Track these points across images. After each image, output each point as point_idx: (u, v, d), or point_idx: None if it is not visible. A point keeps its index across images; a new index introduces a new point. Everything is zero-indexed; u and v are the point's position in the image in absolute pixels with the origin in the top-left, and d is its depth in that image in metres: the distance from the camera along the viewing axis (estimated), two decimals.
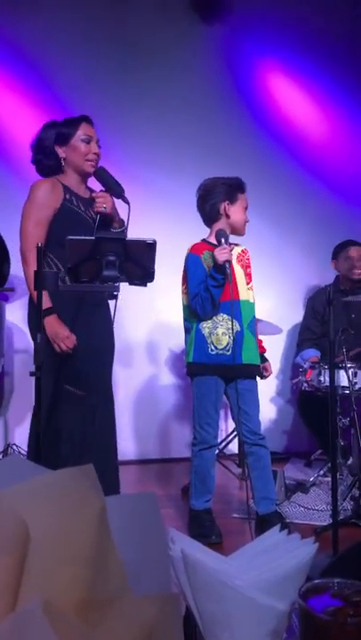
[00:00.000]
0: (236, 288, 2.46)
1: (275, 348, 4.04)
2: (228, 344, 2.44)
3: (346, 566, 1.03)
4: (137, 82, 4.04)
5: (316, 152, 4.39)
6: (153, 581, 0.56)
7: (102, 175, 2.28)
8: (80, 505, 0.51)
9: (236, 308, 2.44)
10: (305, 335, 3.77)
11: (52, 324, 2.16)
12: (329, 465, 3.28)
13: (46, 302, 2.10)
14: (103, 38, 4.04)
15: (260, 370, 2.58)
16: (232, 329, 2.42)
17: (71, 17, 3.99)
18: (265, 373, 2.66)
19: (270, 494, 2.48)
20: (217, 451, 2.84)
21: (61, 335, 2.15)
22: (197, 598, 0.58)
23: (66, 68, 3.93)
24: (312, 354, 3.56)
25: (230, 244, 2.44)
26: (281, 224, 4.14)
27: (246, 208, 2.53)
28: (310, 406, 3.54)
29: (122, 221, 2.34)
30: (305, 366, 3.28)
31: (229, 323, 2.42)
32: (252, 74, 4.32)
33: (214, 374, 2.49)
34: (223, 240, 2.36)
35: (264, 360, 2.65)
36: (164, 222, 3.59)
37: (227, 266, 2.30)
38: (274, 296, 3.91)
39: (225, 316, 2.44)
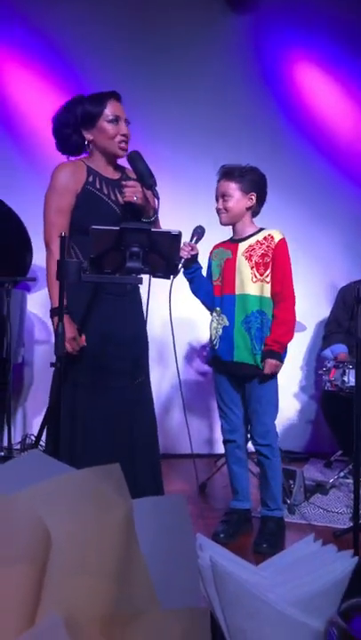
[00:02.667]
0: (232, 283, 2.39)
1: (298, 343, 3.96)
2: (216, 339, 2.45)
3: None
4: (165, 71, 4.00)
5: (345, 144, 4.28)
6: (181, 592, 0.52)
7: (136, 161, 2.09)
8: (105, 508, 0.47)
9: (225, 303, 2.40)
10: (333, 327, 3.63)
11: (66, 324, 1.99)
12: (350, 467, 3.22)
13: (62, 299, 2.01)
14: (131, 27, 4.00)
15: (255, 370, 2.35)
16: (221, 324, 2.42)
17: (98, 5, 3.95)
18: (265, 369, 2.34)
19: (268, 500, 2.44)
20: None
21: (67, 336, 2.01)
22: (227, 612, 0.54)
23: (92, 56, 3.90)
24: (342, 349, 3.45)
25: (237, 239, 2.43)
26: (306, 216, 4.04)
27: (218, 196, 2.45)
28: (333, 406, 3.47)
29: (153, 209, 2.16)
30: (329, 365, 3.20)
31: (220, 317, 2.43)
32: (281, 63, 4.24)
33: (217, 369, 2.52)
34: (195, 237, 2.42)
35: (274, 357, 2.34)
36: (189, 213, 3.54)
37: (181, 263, 2.35)
38: (299, 290, 3.83)
39: (218, 309, 2.45)
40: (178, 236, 1.81)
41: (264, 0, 4.12)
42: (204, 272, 2.54)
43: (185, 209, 3.62)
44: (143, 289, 2.10)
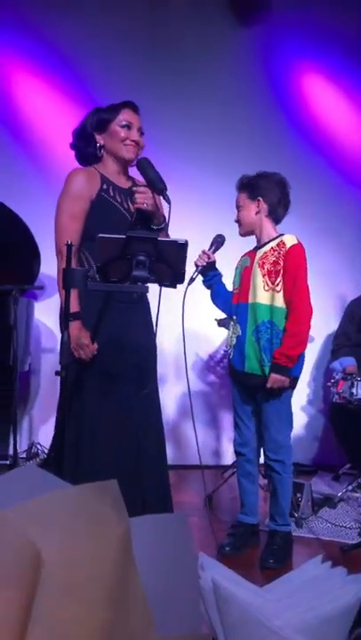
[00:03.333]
0: (246, 291, 2.36)
1: (306, 356, 3.92)
2: (230, 348, 2.44)
3: None
4: (173, 82, 4.01)
5: (353, 157, 4.27)
6: (181, 616, 0.49)
7: (145, 167, 2.06)
8: (100, 527, 0.44)
9: (240, 312, 2.38)
10: (341, 341, 3.60)
11: (76, 331, 2.01)
12: (358, 480, 3.17)
13: (74, 305, 1.99)
14: (140, 38, 4.02)
15: (263, 381, 2.28)
16: (235, 333, 2.41)
17: (108, 17, 3.98)
18: (268, 383, 2.27)
19: (276, 515, 2.39)
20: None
21: (82, 343, 2.01)
22: (230, 637, 0.51)
23: (101, 66, 3.92)
24: (351, 362, 3.41)
25: (257, 247, 2.41)
26: (314, 229, 4.01)
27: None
28: (341, 419, 3.42)
29: (163, 217, 2.14)
30: (337, 377, 3.16)
31: (235, 327, 2.42)
32: (289, 75, 4.24)
33: (233, 379, 2.49)
34: (214, 246, 2.44)
35: (279, 371, 2.26)
36: (197, 223, 3.53)
37: (198, 270, 2.39)
38: None
39: (235, 318, 2.43)
40: (184, 245, 1.78)
41: (272, 13, 4.12)
42: (225, 280, 2.52)
43: (194, 220, 3.62)
44: (153, 298, 2.08)
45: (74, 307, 1.97)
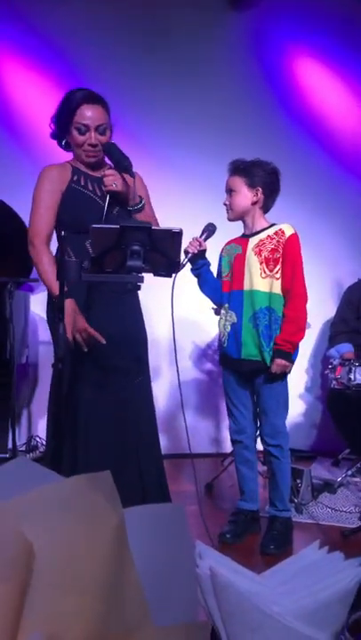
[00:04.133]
0: (241, 278, 2.34)
1: (304, 342, 3.93)
2: (224, 336, 2.41)
3: None
4: (167, 69, 3.97)
5: (348, 141, 4.24)
6: (178, 606, 0.49)
7: (110, 150, 2.10)
8: (94, 519, 0.44)
9: (233, 300, 2.37)
10: (339, 327, 3.59)
11: (69, 310, 1.99)
12: (358, 465, 3.18)
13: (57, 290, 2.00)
14: (131, 24, 3.97)
15: (261, 366, 2.30)
16: (229, 321, 2.38)
17: (99, 6, 3.93)
18: (273, 368, 2.29)
19: (276, 500, 2.40)
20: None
21: (78, 326, 2.01)
22: (228, 625, 0.51)
23: (94, 56, 3.87)
24: (348, 349, 3.41)
25: (248, 235, 2.40)
26: (310, 214, 3.99)
27: (226, 191, 2.42)
28: (339, 404, 3.42)
29: (139, 197, 2.16)
30: (335, 363, 3.17)
31: (228, 314, 2.39)
32: (281, 60, 4.20)
33: (226, 367, 2.48)
34: (205, 234, 2.39)
35: (283, 357, 2.29)
36: (191, 209, 3.51)
37: (188, 257, 2.33)
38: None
39: (226, 306, 2.41)
40: (179, 234, 1.77)
41: None
42: (213, 269, 2.49)
43: (188, 206, 3.60)
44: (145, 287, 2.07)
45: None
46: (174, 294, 2.15)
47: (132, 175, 2.07)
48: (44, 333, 3.92)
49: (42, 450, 3.71)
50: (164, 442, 3.86)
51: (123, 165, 2.07)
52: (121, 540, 0.46)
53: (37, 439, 3.78)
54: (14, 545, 0.41)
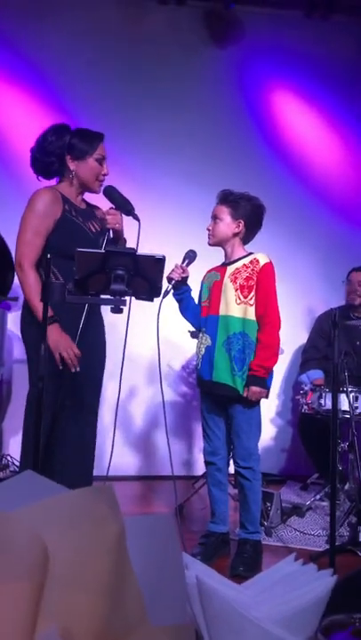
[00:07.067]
0: (217, 304, 2.43)
1: (275, 367, 4.02)
2: (199, 358, 2.50)
3: (347, 594, 1.01)
4: (150, 100, 4.09)
5: (322, 173, 4.40)
6: (168, 609, 0.54)
7: (111, 194, 2.28)
8: (99, 526, 0.49)
9: (209, 324, 2.45)
10: (310, 354, 3.70)
11: (55, 333, 2.13)
12: (326, 489, 3.25)
13: (49, 311, 2.08)
14: (117, 56, 4.09)
15: (233, 391, 2.36)
16: (204, 344, 2.46)
17: (88, 34, 4.04)
18: (249, 396, 2.34)
19: (247, 522, 2.44)
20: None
21: (64, 344, 2.13)
22: (211, 629, 0.55)
23: (77, 83, 3.97)
24: (319, 375, 3.52)
25: (226, 263, 2.49)
26: (284, 243, 4.12)
27: (211, 218, 2.53)
28: (310, 429, 3.51)
29: (125, 240, 2.37)
30: (306, 388, 3.26)
31: (204, 337, 2.47)
32: (261, 95, 4.36)
33: (200, 389, 2.55)
34: (186, 260, 2.49)
35: (258, 384, 2.35)
36: (173, 235, 3.60)
37: (172, 284, 2.43)
38: None
39: (203, 329, 2.50)
40: (162, 260, 1.85)
41: (245, 35, 4.27)
42: (194, 294, 2.58)
43: (175, 233, 3.70)
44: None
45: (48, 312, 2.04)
46: (155, 316, 2.23)
47: (136, 218, 2.24)
48: (19, 351, 3.92)
49: (12, 469, 3.68)
50: (138, 463, 3.91)
51: (127, 209, 2.26)
52: (122, 545, 0.51)
53: (9, 458, 3.75)
54: (32, 547, 0.46)
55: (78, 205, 2.36)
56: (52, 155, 2.29)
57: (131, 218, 2.27)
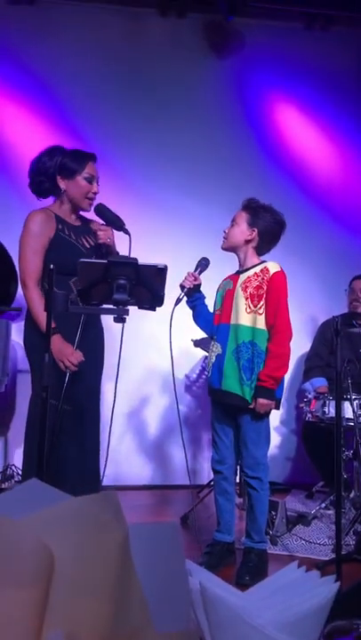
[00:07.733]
0: (228, 312, 2.44)
1: None
2: (209, 366, 2.50)
3: (351, 603, 1.01)
4: (150, 111, 4.12)
5: (323, 182, 4.42)
6: (172, 615, 0.54)
7: (103, 212, 2.36)
8: (104, 532, 0.49)
9: (220, 332, 2.45)
10: (313, 362, 3.71)
11: (57, 343, 2.19)
12: (331, 498, 3.23)
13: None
14: (118, 68, 4.13)
15: (242, 401, 2.35)
16: (215, 352, 2.47)
17: (87, 45, 4.09)
18: (256, 408, 2.34)
19: (253, 532, 2.43)
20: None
21: (66, 352, 2.18)
22: (215, 635, 0.56)
23: (79, 96, 4.01)
24: (322, 383, 3.52)
25: (240, 271, 2.49)
26: (286, 252, 4.11)
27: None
28: (314, 437, 3.50)
29: (117, 253, 2.43)
30: (310, 396, 3.26)
31: (215, 346, 2.48)
32: (261, 106, 4.39)
33: (211, 397, 2.54)
34: (199, 268, 2.52)
35: (266, 395, 2.34)
36: (172, 246, 3.62)
37: (184, 292, 2.47)
38: None
39: (215, 337, 2.50)
40: (164, 270, 1.86)
41: (245, 46, 4.31)
42: (207, 302, 2.58)
43: (172, 243, 3.71)
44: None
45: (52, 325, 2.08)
46: (165, 325, 2.27)
47: (127, 232, 2.32)
48: (23, 362, 3.92)
49: (17, 479, 3.69)
50: (149, 473, 3.90)
51: (118, 225, 2.34)
52: (126, 551, 0.52)
53: (13, 468, 3.75)
54: (38, 553, 0.46)
55: (72, 223, 2.44)
56: (42, 174, 2.40)
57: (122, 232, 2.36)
